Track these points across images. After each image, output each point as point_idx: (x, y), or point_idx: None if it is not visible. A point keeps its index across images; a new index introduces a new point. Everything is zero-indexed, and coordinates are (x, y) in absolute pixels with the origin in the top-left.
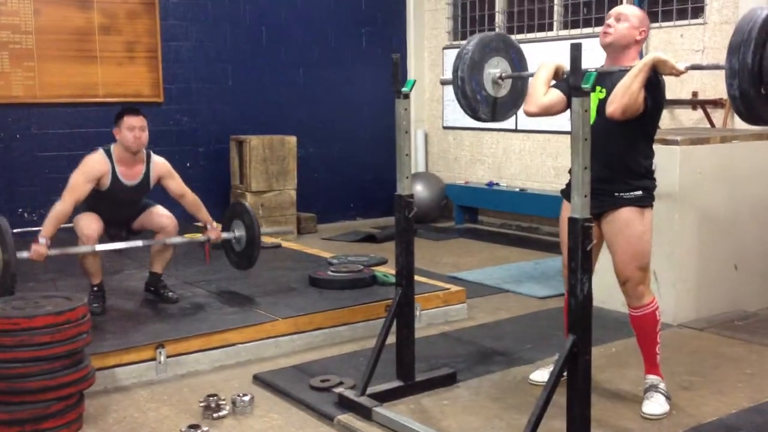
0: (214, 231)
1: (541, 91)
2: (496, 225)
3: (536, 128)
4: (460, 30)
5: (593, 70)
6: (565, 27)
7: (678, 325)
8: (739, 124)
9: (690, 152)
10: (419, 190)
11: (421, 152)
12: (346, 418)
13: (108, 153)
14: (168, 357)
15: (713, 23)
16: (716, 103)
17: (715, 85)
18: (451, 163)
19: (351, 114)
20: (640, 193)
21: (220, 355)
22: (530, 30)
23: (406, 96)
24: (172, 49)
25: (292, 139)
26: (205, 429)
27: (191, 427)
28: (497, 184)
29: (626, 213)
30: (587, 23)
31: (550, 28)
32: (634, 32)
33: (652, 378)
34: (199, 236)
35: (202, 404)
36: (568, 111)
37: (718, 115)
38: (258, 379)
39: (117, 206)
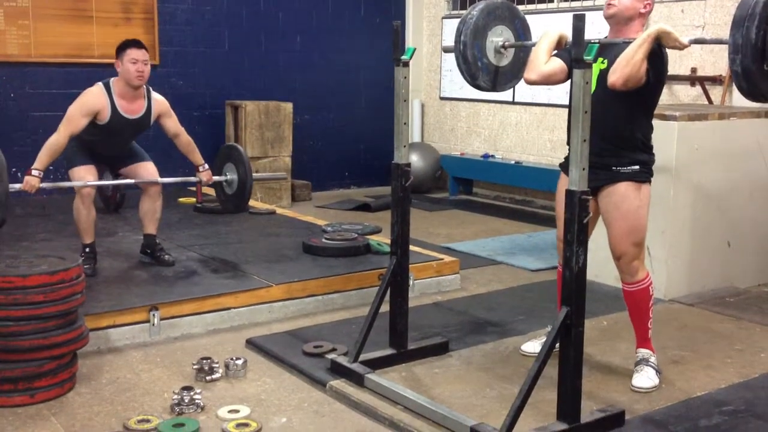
0: (206, 173)
1: (543, 59)
2: (491, 197)
3: (533, 101)
4: None
5: (595, 41)
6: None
7: (669, 300)
8: (737, 101)
9: (687, 128)
10: (414, 160)
11: (417, 122)
12: (339, 384)
13: (107, 87)
14: (162, 320)
15: None
16: (715, 80)
17: (714, 62)
18: (446, 134)
19: (348, 82)
20: (637, 167)
21: (213, 318)
22: (531, 1)
23: (406, 64)
24: (168, 11)
25: (288, 106)
26: (198, 391)
27: (184, 389)
28: (493, 156)
29: (623, 188)
30: None
31: (551, 0)
32: (639, 4)
33: (643, 352)
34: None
35: (195, 367)
36: (568, 82)
37: (716, 92)
38: (251, 344)
39: (114, 140)
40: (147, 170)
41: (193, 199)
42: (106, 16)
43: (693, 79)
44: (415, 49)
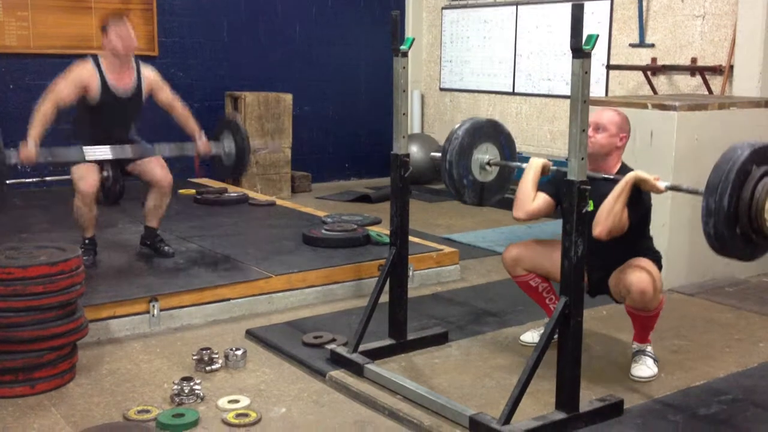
0: (204, 144)
1: (530, 196)
2: None
3: (533, 92)
4: None
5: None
6: None
7: (668, 290)
8: (738, 91)
9: (687, 118)
10: (414, 151)
11: (417, 113)
12: (338, 374)
13: (96, 61)
14: (161, 311)
15: None
16: (715, 70)
17: (714, 52)
18: (447, 124)
19: (347, 73)
20: (647, 256)
21: (213, 309)
22: None
23: (405, 54)
24: (167, 2)
25: (288, 97)
26: (198, 382)
27: (184, 379)
28: None
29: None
30: None
31: None
32: (614, 140)
33: (640, 343)
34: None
35: (195, 357)
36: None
37: (716, 82)
38: (251, 335)
39: (112, 123)
40: (157, 165)
41: (193, 191)
42: (105, 7)
43: (693, 69)
44: (414, 40)
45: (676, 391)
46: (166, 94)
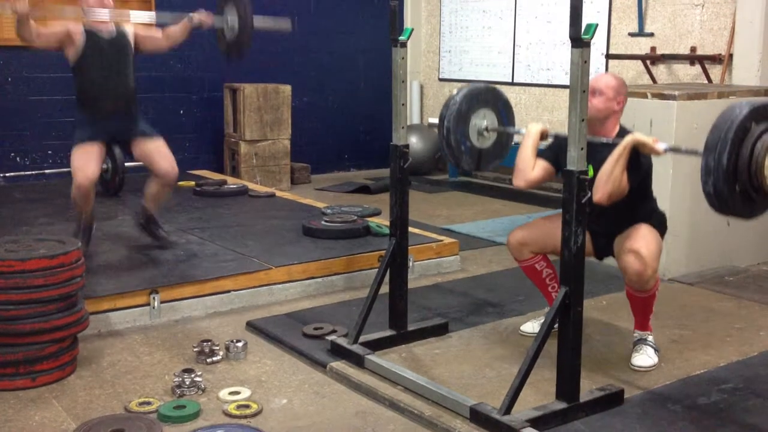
0: (203, 14)
1: (530, 164)
2: (490, 178)
3: (533, 81)
4: None
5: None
6: None
7: (669, 280)
8: (737, 80)
9: (687, 107)
10: (414, 142)
11: (416, 104)
12: (339, 365)
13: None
14: (162, 303)
15: None
16: (714, 59)
17: (714, 41)
18: None
19: (346, 64)
20: (651, 218)
21: (214, 301)
22: None
23: (403, 45)
24: None
25: (287, 88)
26: (199, 373)
27: (185, 371)
28: None
29: (637, 224)
30: None
31: None
32: (612, 104)
33: (641, 331)
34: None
35: (195, 349)
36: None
37: (715, 71)
38: (251, 326)
39: (103, 68)
40: (162, 155)
41: (193, 183)
42: None
43: (692, 58)
44: (412, 30)
45: (676, 381)
46: (150, 33)
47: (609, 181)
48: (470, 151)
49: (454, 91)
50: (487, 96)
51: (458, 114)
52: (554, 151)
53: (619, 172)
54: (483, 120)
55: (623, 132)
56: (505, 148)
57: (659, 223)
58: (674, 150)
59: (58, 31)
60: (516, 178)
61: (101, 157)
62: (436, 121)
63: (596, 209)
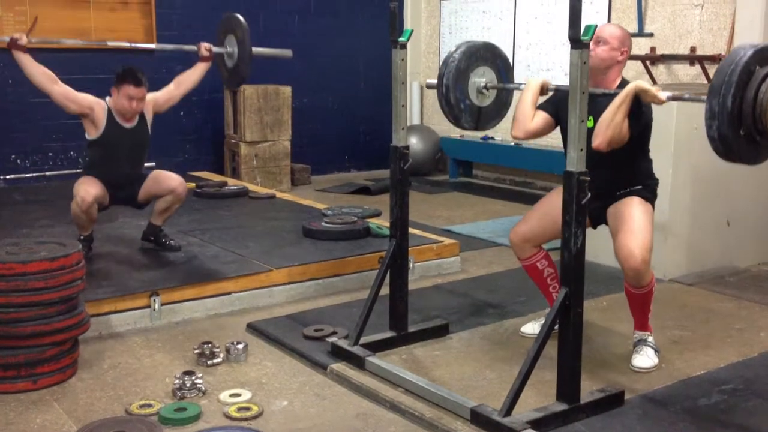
0: (205, 44)
1: (529, 115)
2: (491, 179)
3: None
4: None
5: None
6: None
7: (669, 280)
8: None
9: (686, 107)
10: (414, 142)
11: (416, 105)
12: (339, 367)
13: (106, 101)
14: (162, 305)
15: None
16: (714, 59)
17: (713, 41)
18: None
19: (346, 65)
20: (640, 187)
21: (214, 303)
22: None
23: (403, 46)
24: None
25: (287, 90)
26: (200, 376)
27: (186, 373)
28: (492, 138)
29: (629, 199)
30: None
31: None
32: (615, 53)
33: (641, 332)
34: (192, 185)
35: (196, 351)
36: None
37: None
38: (252, 328)
39: (119, 156)
40: (166, 176)
41: (193, 184)
42: (103, 0)
43: (692, 58)
44: (412, 31)
45: (676, 381)
46: (164, 95)
47: (610, 126)
48: (469, 109)
49: (452, 48)
50: (486, 53)
51: (457, 71)
52: (554, 103)
53: (621, 119)
54: (482, 78)
55: (624, 84)
56: (504, 107)
57: (651, 192)
58: (677, 98)
59: (81, 104)
60: (515, 128)
61: (105, 191)
62: (433, 81)
63: (595, 158)
